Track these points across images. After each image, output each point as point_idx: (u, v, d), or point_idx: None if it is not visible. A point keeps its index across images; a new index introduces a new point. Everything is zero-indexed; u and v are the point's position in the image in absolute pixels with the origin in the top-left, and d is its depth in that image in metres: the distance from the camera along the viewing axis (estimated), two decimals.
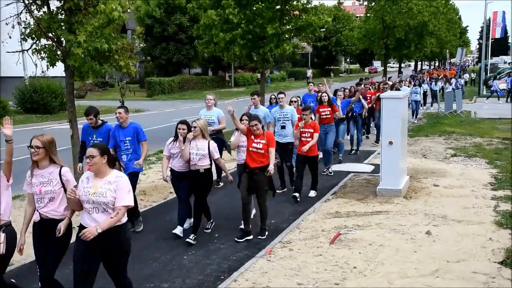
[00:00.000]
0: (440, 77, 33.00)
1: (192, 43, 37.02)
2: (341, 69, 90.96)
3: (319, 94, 12.44)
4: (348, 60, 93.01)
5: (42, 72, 10.50)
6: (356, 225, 8.08)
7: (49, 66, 10.07)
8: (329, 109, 11.68)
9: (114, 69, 10.91)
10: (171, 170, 8.04)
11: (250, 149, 7.70)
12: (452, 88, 27.35)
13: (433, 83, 28.56)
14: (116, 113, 8.16)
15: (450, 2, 64.61)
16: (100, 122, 8.32)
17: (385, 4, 36.76)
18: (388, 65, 48.32)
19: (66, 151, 10.26)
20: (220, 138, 10.39)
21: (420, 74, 43.14)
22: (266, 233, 7.86)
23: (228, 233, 7.92)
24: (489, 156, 13.65)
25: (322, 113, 11.65)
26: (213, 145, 7.75)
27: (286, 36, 20.12)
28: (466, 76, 46.70)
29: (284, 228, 8.13)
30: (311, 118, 10.15)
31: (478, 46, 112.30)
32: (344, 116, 13.16)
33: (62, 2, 9.51)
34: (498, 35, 50.60)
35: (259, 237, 7.75)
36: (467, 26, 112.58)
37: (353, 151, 14.84)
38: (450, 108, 24.54)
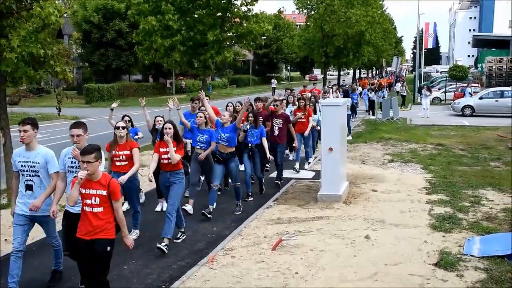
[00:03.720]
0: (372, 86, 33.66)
1: (132, 49, 36.50)
2: (282, 76, 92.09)
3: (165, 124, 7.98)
4: (289, 67, 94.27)
5: None
6: (297, 231, 8.16)
7: None
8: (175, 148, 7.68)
9: (50, 75, 10.58)
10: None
11: None
12: (383, 96, 28.25)
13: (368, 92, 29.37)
14: None
15: (386, 13, 66.89)
16: None
17: (324, 13, 37.52)
18: (328, 72, 49.26)
19: None
20: None
21: (354, 83, 43.88)
22: None
23: (169, 241, 7.80)
24: (423, 161, 14.15)
25: (163, 155, 7.72)
26: None
27: (227, 43, 20.18)
28: (398, 85, 47.25)
29: (227, 235, 8.10)
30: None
31: (412, 55, 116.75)
32: (233, 150, 9.26)
33: None
34: (430, 45, 52.80)
35: None
36: (402, 36, 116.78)
37: (249, 197, 10.45)
38: (387, 115, 25.32)
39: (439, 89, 40.95)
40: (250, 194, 10.40)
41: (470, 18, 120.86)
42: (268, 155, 10.34)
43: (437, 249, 7.22)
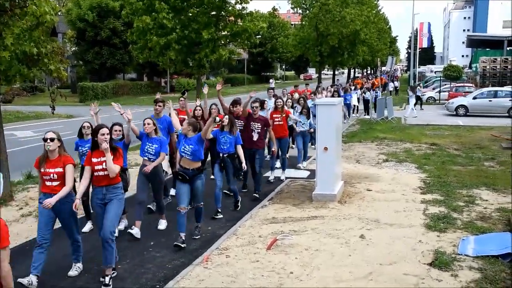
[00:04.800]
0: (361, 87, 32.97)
1: (126, 47, 36.42)
2: (277, 75, 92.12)
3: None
4: (283, 66, 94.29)
5: None
6: (292, 230, 8.15)
7: None
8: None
9: (44, 73, 10.53)
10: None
11: None
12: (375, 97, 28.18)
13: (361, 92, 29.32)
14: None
15: (381, 13, 67.00)
16: None
17: (319, 12, 37.53)
18: (322, 72, 49.29)
19: None
20: None
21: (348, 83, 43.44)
22: None
23: (164, 241, 7.78)
24: (418, 161, 14.17)
25: (97, 166, 6.37)
26: None
27: (222, 41, 20.15)
28: (391, 85, 46.65)
29: (221, 235, 8.08)
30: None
31: (407, 55, 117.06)
32: (199, 165, 7.76)
33: None
34: (425, 45, 52.97)
35: None
36: (397, 36, 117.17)
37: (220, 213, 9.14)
38: (382, 114, 25.35)
39: (433, 88, 41.05)
40: (219, 210, 9.10)
41: (465, 18, 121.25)
42: (243, 164, 9.20)
43: (432, 249, 7.23)
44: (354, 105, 27.89)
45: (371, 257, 6.96)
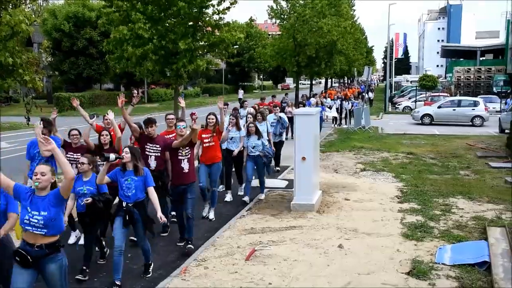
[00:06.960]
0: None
1: (103, 58, 36.09)
2: (255, 85, 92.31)
3: None
4: (261, 76, 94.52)
5: None
6: (271, 240, 8.13)
7: None
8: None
9: (19, 84, 10.41)
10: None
11: None
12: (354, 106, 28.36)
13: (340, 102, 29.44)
14: None
15: (357, 23, 67.75)
16: None
17: (296, 22, 37.78)
18: (300, 81, 49.45)
19: None
20: None
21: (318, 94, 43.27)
22: None
23: (142, 254, 7.67)
24: (395, 170, 14.30)
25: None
26: None
27: (199, 52, 20.10)
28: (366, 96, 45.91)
29: (199, 246, 8.02)
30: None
31: (383, 65, 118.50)
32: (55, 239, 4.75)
33: None
34: (400, 55, 53.79)
35: None
36: (373, 46, 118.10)
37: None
38: (359, 124, 25.56)
39: (409, 98, 41.59)
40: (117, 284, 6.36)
41: (439, 29, 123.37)
42: (159, 214, 6.26)
43: (410, 258, 7.28)
44: (334, 117, 27.94)
45: (349, 267, 6.98)
